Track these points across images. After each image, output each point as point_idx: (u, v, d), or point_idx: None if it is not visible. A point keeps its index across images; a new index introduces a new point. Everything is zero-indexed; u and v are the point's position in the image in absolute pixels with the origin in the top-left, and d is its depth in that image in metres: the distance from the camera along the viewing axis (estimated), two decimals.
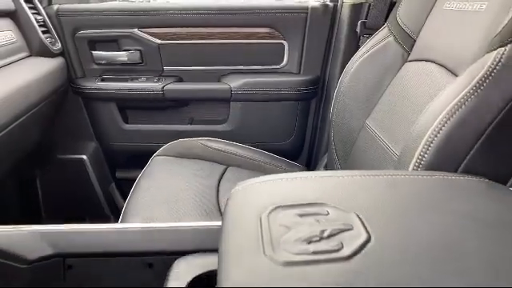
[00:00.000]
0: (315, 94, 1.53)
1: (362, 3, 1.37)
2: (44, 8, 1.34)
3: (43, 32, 1.26)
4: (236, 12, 1.44)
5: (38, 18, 1.26)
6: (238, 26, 1.46)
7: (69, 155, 1.52)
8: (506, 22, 0.70)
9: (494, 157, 0.70)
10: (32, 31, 1.23)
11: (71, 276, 0.67)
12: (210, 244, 0.65)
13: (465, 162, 0.70)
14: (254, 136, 1.52)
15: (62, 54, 1.39)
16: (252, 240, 0.45)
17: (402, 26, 1.14)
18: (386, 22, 1.22)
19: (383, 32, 1.20)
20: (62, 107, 1.45)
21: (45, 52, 1.28)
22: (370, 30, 1.30)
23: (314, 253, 0.41)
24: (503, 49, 0.68)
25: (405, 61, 1.12)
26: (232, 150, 1.31)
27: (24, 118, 1.09)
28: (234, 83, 1.48)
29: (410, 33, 1.11)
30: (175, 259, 0.64)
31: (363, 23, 1.35)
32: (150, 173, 1.20)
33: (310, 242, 0.43)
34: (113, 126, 1.53)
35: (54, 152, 1.51)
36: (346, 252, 0.41)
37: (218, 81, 1.51)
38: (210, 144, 1.31)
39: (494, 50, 0.70)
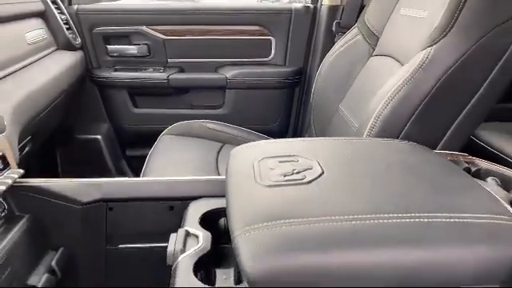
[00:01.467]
0: (298, 83, 1.73)
1: (337, 6, 1.58)
2: (66, 8, 1.53)
3: (66, 29, 1.45)
4: (230, 12, 1.64)
5: (62, 17, 1.45)
6: (232, 24, 1.66)
7: (85, 135, 1.71)
8: (434, 27, 0.92)
9: (425, 127, 0.92)
10: (58, 28, 1.42)
11: (111, 216, 0.88)
12: (216, 191, 0.85)
13: (404, 131, 0.92)
14: (246, 119, 1.70)
15: (81, 47, 1.58)
16: (248, 177, 0.67)
17: (368, 26, 1.34)
18: (356, 22, 1.42)
19: (354, 31, 1.41)
20: (80, 94, 1.64)
21: (68, 46, 1.47)
22: (344, 29, 1.50)
23: (287, 180, 0.63)
24: (431, 48, 0.90)
25: (370, 55, 1.32)
26: (227, 131, 1.51)
27: (55, 103, 1.28)
28: (229, 73, 1.68)
29: (375, 32, 1.31)
30: (190, 202, 0.85)
31: (338, 23, 1.56)
32: (159, 148, 1.40)
33: (285, 175, 0.65)
34: (124, 110, 1.72)
35: (72, 132, 1.70)
36: (306, 180, 0.63)
37: (215, 71, 1.70)
38: (208, 125, 1.51)
39: (426, 48, 0.92)
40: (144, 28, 1.63)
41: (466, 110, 0.92)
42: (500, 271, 0.50)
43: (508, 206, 0.60)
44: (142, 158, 1.34)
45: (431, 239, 0.52)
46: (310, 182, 0.63)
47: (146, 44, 1.65)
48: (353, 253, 0.50)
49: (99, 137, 1.71)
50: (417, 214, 0.54)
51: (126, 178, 0.91)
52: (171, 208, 0.88)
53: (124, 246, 0.91)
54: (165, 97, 1.73)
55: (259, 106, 1.73)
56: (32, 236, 0.82)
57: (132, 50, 1.64)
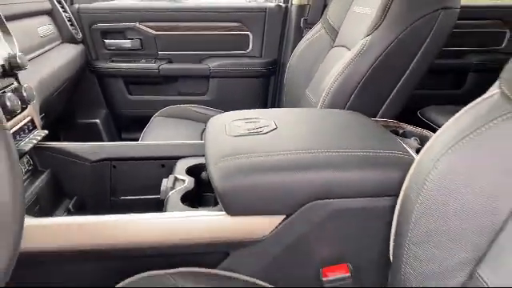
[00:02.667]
0: (273, 73, 1.94)
1: (305, 5, 1.78)
2: (69, 7, 1.71)
3: (70, 25, 1.64)
4: (213, 10, 1.83)
5: (66, 14, 1.63)
6: (215, 20, 1.84)
7: (86, 120, 1.88)
8: (371, 21, 1.14)
9: (365, 100, 1.13)
10: (63, 24, 1.60)
11: (115, 172, 1.07)
12: (198, 152, 1.04)
13: (348, 103, 1.13)
14: (227, 104, 1.84)
15: (82, 41, 1.76)
16: (220, 132, 0.87)
17: (330, 22, 1.54)
18: (320, 19, 1.62)
19: (318, 26, 1.60)
20: (80, 82, 1.81)
21: (71, 40, 1.65)
22: (310, 25, 1.70)
23: (249, 133, 0.84)
24: (368, 37, 1.12)
25: (331, 47, 1.52)
26: (210, 114, 1.70)
27: (61, 88, 1.46)
28: (212, 64, 1.87)
29: (335, 27, 1.51)
30: (177, 160, 1.05)
31: (305, 20, 1.76)
32: (152, 127, 1.59)
33: (248, 129, 0.86)
34: (120, 97, 1.90)
35: (74, 117, 1.88)
36: (263, 132, 0.84)
37: (200, 62, 1.89)
38: (194, 109, 1.70)
39: (364, 37, 1.13)
40: (137, 25, 1.81)
41: (397, 86, 1.14)
42: (391, 187, 0.71)
43: (408, 148, 0.81)
44: (136, 140, 1.51)
45: (346, 164, 0.73)
46: (265, 133, 0.84)
47: (138, 38, 1.83)
48: (288, 174, 0.71)
49: (98, 121, 1.89)
50: (340, 150, 0.75)
51: (127, 142, 1.11)
52: (163, 166, 1.07)
53: (125, 197, 1.10)
54: (156, 85, 1.91)
55: (239, 92, 1.91)
56: (52, 186, 1.01)
57: (126, 43, 1.82)
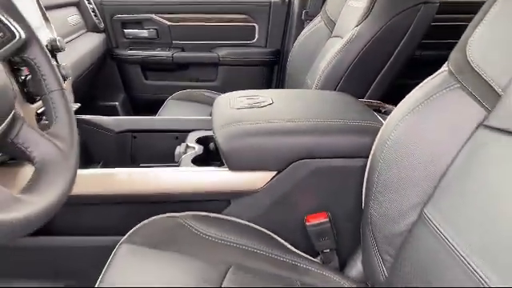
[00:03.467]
0: (277, 61, 2.07)
1: None
2: None
3: (94, 16, 1.79)
4: (222, 4, 1.97)
5: (90, 6, 1.78)
6: (224, 13, 1.99)
7: (106, 102, 2.03)
8: (361, 12, 1.27)
9: (353, 83, 1.27)
10: (88, 15, 1.75)
11: (135, 143, 1.23)
12: (207, 126, 1.18)
13: (339, 85, 1.27)
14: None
15: (104, 31, 1.91)
16: (225, 105, 1.02)
17: (328, 15, 1.67)
18: (320, 12, 1.75)
19: (318, 19, 1.74)
20: (102, 68, 1.97)
21: (94, 29, 1.81)
22: (310, 17, 1.83)
23: (250, 106, 0.99)
24: (357, 27, 1.25)
25: (329, 37, 1.64)
26: None
27: (85, 73, 1.62)
28: (221, 53, 2.02)
29: (332, 19, 1.64)
30: (189, 133, 1.20)
31: (306, 12, 1.89)
32: (165, 109, 1.74)
33: (249, 104, 1.01)
34: (137, 82, 2.05)
35: (95, 100, 2.04)
36: (261, 105, 0.98)
37: (210, 51, 2.03)
38: (205, 93, 1.86)
39: (354, 28, 1.27)
40: (153, 16, 1.96)
41: (381, 72, 1.27)
42: (363, 150, 0.85)
43: (382, 120, 0.95)
44: None
45: (327, 131, 0.87)
46: (263, 106, 0.98)
47: (154, 29, 1.98)
48: (279, 137, 0.86)
49: (117, 103, 2.04)
50: (322, 120, 0.90)
51: (146, 117, 1.26)
52: (176, 138, 1.23)
53: (143, 164, 1.26)
54: (170, 71, 2.06)
55: (245, 79, 2.05)
56: (82, 152, 1.16)
57: (144, 33, 1.98)
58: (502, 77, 0.64)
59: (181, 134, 1.22)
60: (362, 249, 0.85)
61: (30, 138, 0.52)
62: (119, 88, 2.07)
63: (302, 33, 1.76)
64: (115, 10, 1.94)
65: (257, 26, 2.02)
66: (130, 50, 2.01)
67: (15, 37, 0.55)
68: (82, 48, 1.55)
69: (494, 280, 0.51)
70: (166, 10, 1.97)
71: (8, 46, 0.54)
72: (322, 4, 1.83)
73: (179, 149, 1.06)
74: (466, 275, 0.56)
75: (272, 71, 2.11)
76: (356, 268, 0.89)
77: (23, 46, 0.57)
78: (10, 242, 0.87)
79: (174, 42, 2.03)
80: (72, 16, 1.57)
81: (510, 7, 0.67)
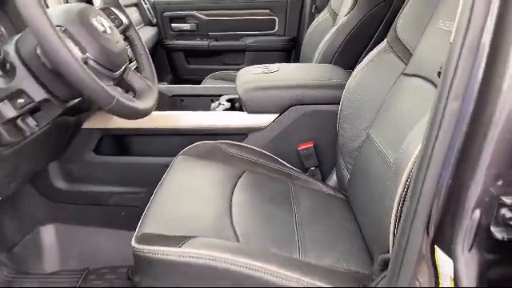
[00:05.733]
0: (293, 47, 2.43)
1: None
2: (148, 0, 2.29)
3: (149, 13, 2.21)
4: (249, 1, 2.35)
5: (146, 6, 2.21)
6: (250, 8, 2.37)
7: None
8: (349, 5, 1.61)
9: (345, 58, 1.60)
10: (144, 13, 2.18)
11: (182, 104, 1.62)
12: (233, 92, 1.57)
13: (333, 59, 1.61)
14: None
15: (156, 25, 2.34)
16: (246, 73, 1.40)
17: (332, 8, 1.99)
18: (328, 4, 2.07)
19: (324, 11, 2.05)
20: (153, 55, 2.39)
21: (149, 23, 2.23)
22: (319, 10, 2.16)
23: (262, 73, 1.36)
24: (346, 17, 1.59)
25: (332, 26, 1.97)
26: None
27: None
28: (247, 41, 2.40)
29: (336, 11, 1.97)
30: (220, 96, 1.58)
31: (315, 6, 2.23)
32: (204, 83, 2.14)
33: (262, 71, 1.38)
34: (181, 66, 2.48)
35: None
36: (270, 72, 1.36)
37: (238, 40, 2.42)
38: (233, 74, 2.24)
39: (344, 17, 1.61)
40: (194, 13, 2.37)
41: (366, 49, 1.60)
42: (337, 99, 1.21)
43: None
44: None
45: (313, 86, 1.23)
46: (271, 72, 1.36)
47: (195, 23, 2.39)
48: (280, 90, 1.23)
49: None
50: (310, 79, 1.26)
51: (191, 85, 1.66)
52: (212, 100, 1.61)
53: None
54: (206, 57, 2.47)
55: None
56: None
57: (187, 26, 2.39)
58: (412, 42, 0.98)
59: (215, 98, 1.60)
60: (336, 166, 1.21)
61: (133, 77, 0.92)
62: (167, 71, 2.49)
63: (312, 23, 2.10)
64: (165, 8, 2.36)
65: (277, 19, 2.38)
66: (176, 40, 2.43)
67: (122, 23, 0.95)
68: (142, 38, 1.97)
69: (391, 154, 0.86)
70: (204, 8, 2.38)
71: (120, 28, 0.94)
72: None
73: (214, 105, 1.45)
74: (379, 157, 0.91)
75: (290, 55, 2.47)
76: (332, 180, 1.25)
77: (126, 28, 0.97)
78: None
79: (210, 33, 2.43)
80: (134, 14, 1.99)
81: None
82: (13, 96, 0.75)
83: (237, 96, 1.44)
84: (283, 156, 1.24)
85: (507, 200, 0.45)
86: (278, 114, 1.23)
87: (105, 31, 0.82)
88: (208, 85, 1.92)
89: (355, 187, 1.05)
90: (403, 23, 1.05)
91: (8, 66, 0.74)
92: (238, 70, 2.33)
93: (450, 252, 0.49)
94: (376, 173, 0.91)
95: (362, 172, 1.03)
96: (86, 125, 1.25)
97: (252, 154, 1.20)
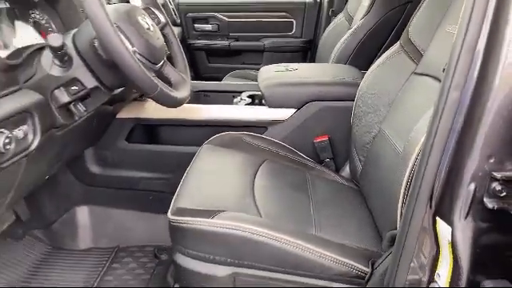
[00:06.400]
0: (309, 49, 2.51)
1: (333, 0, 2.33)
2: (172, 1, 2.39)
3: (174, 13, 2.32)
4: (268, 4, 2.44)
5: (171, 6, 2.32)
6: (269, 11, 2.45)
7: None
8: (365, 9, 1.69)
9: (359, 59, 1.69)
10: (169, 13, 2.28)
11: (205, 99, 1.72)
12: (254, 89, 1.66)
13: (348, 61, 1.69)
14: None
15: (179, 25, 2.44)
16: (267, 71, 1.49)
17: (348, 12, 2.08)
18: (344, 8, 2.15)
19: (340, 15, 2.13)
20: None
21: (173, 23, 2.33)
22: (335, 14, 2.24)
23: (283, 71, 1.45)
24: (362, 20, 1.67)
25: (348, 29, 2.06)
26: None
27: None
28: (266, 42, 2.48)
29: (352, 15, 2.04)
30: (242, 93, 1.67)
31: (332, 10, 2.31)
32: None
33: (285, 68, 1.47)
34: (203, 64, 2.58)
35: None
36: (290, 70, 1.45)
37: (258, 41, 2.51)
38: (252, 73, 2.33)
39: (359, 20, 1.69)
40: (216, 14, 2.47)
41: (380, 50, 1.68)
42: (352, 96, 1.29)
43: None
44: None
45: (330, 83, 1.32)
46: (290, 70, 1.45)
47: (217, 24, 2.49)
48: (298, 87, 1.32)
49: None
50: (328, 79, 1.34)
51: (214, 82, 1.76)
52: (233, 96, 1.70)
53: None
54: (227, 56, 2.57)
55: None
56: None
57: (208, 27, 2.49)
58: (422, 44, 1.06)
59: (236, 94, 1.69)
60: (349, 158, 1.29)
61: (169, 70, 1.02)
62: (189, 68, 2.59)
63: (328, 26, 2.18)
64: (188, 9, 2.46)
65: (294, 21, 2.47)
66: (198, 39, 2.53)
67: (160, 21, 1.05)
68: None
69: (400, 144, 0.94)
70: (225, 10, 2.47)
71: (159, 26, 1.04)
72: (345, 3, 2.24)
73: (236, 99, 1.54)
74: (391, 149, 0.99)
75: (306, 56, 2.55)
76: (345, 171, 1.33)
77: (164, 26, 1.07)
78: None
79: (230, 34, 2.52)
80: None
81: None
82: (68, 84, 0.86)
83: (257, 92, 1.53)
84: (300, 148, 1.32)
85: (498, 175, 0.53)
86: (296, 109, 1.32)
87: (148, 28, 0.92)
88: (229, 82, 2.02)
89: (367, 178, 1.13)
90: (415, 27, 1.13)
91: (66, 57, 0.84)
92: (256, 69, 2.47)
93: (449, 221, 0.57)
94: (387, 163, 0.99)
95: (373, 163, 1.11)
96: (120, 115, 1.36)
97: (271, 145, 1.29)
